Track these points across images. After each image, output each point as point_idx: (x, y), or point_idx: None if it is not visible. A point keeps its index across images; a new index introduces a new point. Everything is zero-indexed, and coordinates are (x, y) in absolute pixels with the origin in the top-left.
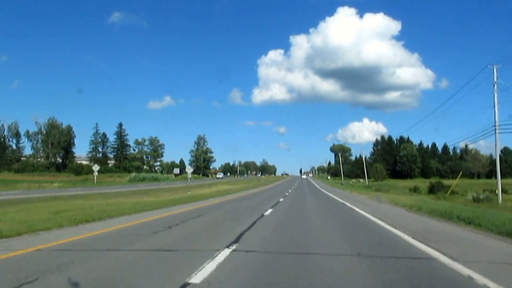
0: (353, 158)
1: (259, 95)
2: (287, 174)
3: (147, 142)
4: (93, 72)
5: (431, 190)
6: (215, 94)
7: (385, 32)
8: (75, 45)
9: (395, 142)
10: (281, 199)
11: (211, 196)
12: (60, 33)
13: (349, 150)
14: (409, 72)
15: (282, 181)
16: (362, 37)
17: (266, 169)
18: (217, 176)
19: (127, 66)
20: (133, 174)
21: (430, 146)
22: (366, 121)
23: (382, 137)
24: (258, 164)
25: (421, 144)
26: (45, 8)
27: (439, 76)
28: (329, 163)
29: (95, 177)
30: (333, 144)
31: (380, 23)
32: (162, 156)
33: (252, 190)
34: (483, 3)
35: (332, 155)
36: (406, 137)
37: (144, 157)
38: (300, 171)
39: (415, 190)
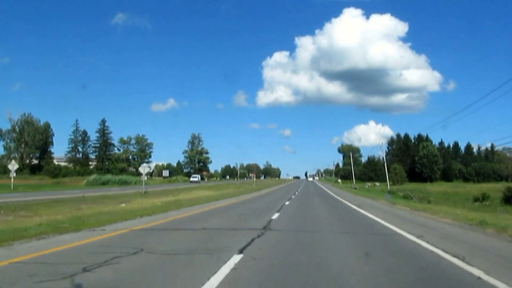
0: (363, 160)
1: (264, 98)
2: (297, 177)
3: (133, 141)
4: (95, 74)
5: (508, 200)
6: (219, 96)
7: (392, 33)
8: (78, 47)
9: (413, 141)
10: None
11: (147, 212)
12: (61, 34)
13: (358, 150)
14: (416, 74)
15: (283, 185)
16: (369, 39)
17: (269, 172)
18: (191, 179)
19: (130, 68)
20: (93, 176)
21: (451, 145)
22: (372, 123)
23: (398, 136)
24: (262, 167)
25: (441, 143)
26: (46, 9)
27: (447, 78)
28: (337, 165)
29: (12, 180)
30: (341, 144)
31: (387, 24)
32: (150, 156)
33: (232, 199)
34: (491, 3)
35: (340, 156)
36: (425, 135)
37: (131, 157)
38: (306, 174)
39: (483, 199)
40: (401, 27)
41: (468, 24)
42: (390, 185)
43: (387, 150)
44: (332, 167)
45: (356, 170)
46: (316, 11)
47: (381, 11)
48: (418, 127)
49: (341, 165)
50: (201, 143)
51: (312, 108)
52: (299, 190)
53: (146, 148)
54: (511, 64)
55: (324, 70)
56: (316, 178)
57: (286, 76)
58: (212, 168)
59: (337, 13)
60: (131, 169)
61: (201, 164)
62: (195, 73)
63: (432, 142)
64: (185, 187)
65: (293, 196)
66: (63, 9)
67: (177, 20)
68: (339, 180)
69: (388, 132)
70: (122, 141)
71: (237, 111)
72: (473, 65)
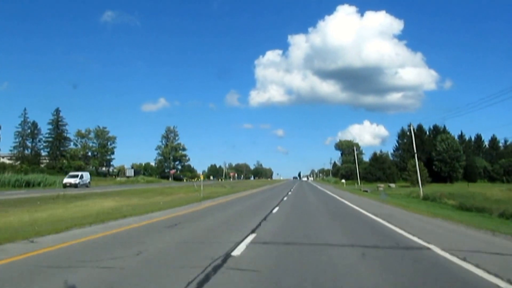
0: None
1: (256, 97)
2: (295, 178)
3: (92, 135)
4: (85, 73)
5: None
6: (211, 96)
7: (387, 30)
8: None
9: (427, 133)
10: None
11: None
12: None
13: (359, 147)
14: (412, 72)
15: (268, 187)
16: (363, 36)
17: (260, 173)
18: (66, 180)
19: (120, 67)
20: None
21: (473, 139)
22: (367, 123)
23: (410, 127)
24: (252, 167)
25: (462, 136)
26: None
27: (443, 77)
28: (334, 163)
29: None
30: (339, 140)
31: (382, 22)
32: (112, 153)
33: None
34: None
35: (338, 154)
36: (442, 126)
37: (90, 154)
38: (299, 174)
39: None
40: (397, 25)
41: (464, 21)
42: (408, 186)
43: (396, 145)
44: (327, 167)
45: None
46: (309, 9)
47: (376, 8)
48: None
49: (338, 163)
50: (177, 137)
51: (306, 108)
52: (289, 193)
53: (108, 143)
54: (508, 62)
55: (317, 69)
56: (311, 178)
57: (279, 75)
58: (200, 168)
59: (330, 10)
60: (91, 167)
61: (177, 162)
62: (186, 72)
63: (451, 135)
64: (103, 191)
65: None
66: (49, 7)
67: (167, 18)
68: (343, 181)
69: (383, 132)
70: (79, 135)
71: (229, 111)
72: (470, 63)
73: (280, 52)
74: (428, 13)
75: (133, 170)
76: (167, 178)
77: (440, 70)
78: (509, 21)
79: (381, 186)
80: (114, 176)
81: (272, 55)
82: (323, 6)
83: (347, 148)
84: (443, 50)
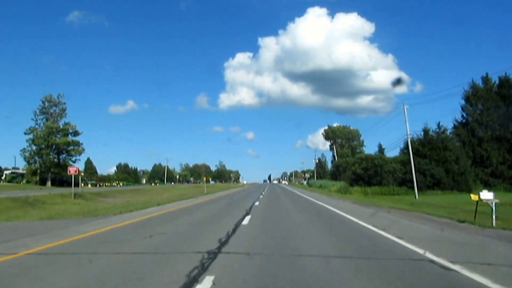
0: (366, 150)
1: (226, 100)
2: (268, 180)
3: None
4: (52, 76)
5: None
6: (180, 98)
7: (359, 33)
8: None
9: None
10: None
11: None
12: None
13: (358, 135)
14: (382, 75)
15: (209, 198)
16: (334, 38)
17: (223, 175)
18: None
19: (87, 69)
20: None
21: None
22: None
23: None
24: (213, 168)
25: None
26: None
27: (413, 80)
28: (319, 160)
29: None
30: (328, 126)
31: (353, 24)
32: None
33: None
34: (458, 6)
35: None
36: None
37: None
38: (269, 177)
39: None
40: (368, 27)
41: (435, 25)
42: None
43: (455, 124)
44: (300, 169)
45: (358, 168)
46: (279, 11)
47: (347, 10)
48: (388, 131)
49: (328, 159)
50: (64, 114)
51: (276, 110)
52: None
53: None
54: (479, 65)
55: (288, 71)
56: (284, 182)
57: (249, 78)
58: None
59: (301, 12)
60: None
61: (64, 154)
62: (155, 74)
63: None
64: None
65: None
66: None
67: (135, 20)
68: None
69: None
70: None
71: (198, 113)
72: (438, 67)
73: (250, 54)
74: (399, 16)
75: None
76: (43, 183)
77: (411, 74)
78: (480, 24)
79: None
80: None
81: (242, 58)
82: (293, 8)
83: (343, 135)
84: (413, 53)
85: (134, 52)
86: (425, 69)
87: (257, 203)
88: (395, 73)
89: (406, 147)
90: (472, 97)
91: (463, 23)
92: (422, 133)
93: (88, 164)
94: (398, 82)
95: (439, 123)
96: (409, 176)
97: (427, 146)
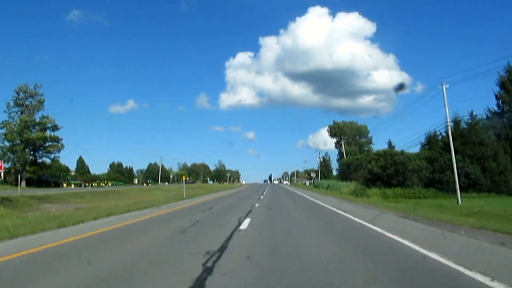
0: (375, 147)
1: (227, 99)
2: (269, 180)
3: None
4: (51, 75)
5: None
6: (181, 98)
7: (360, 32)
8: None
9: None
10: None
11: None
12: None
13: (366, 131)
14: (384, 75)
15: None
16: (335, 38)
17: (223, 175)
18: None
19: (87, 68)
20: None
21: None
22: None
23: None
24: (212, 168)
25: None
26: None
27: (415, 81)
28: (323, 159)
29: None
30: (333, 122)
31: (354, 23)
32: None
33: None
34: (460, 5)
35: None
36: None
37: None
38: (270, 178)
39: None
40: (369, 27)
41: (436, 25)
42: None
43: (488, 114)
44: (302, 169)
45: (375, 166)
46: (280, 10)
47: (348, 9)
48: (385, 129)
49: (333, 158)
50: (42, 106)
51: (277, 110)
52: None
53: None
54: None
55: (289, 71)
56: (286, 182)
57: (250, 77)
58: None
59: (302, 12)
60: None
61: (41, 151)
62: (155, 74)
63: None
64: None
65: None
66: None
67: (136, 20)
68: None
69: None
70: None
71: (199, 113)
72: (439, 67)
73: (251, 54)
74: (401, 16)
75: None
76: (16, 183)
77: (412, 74)
78: (481, 25)
79: None
80: None
81: (243, 57)
82: (294, 8)
83: (350, 131)
84: (415, 53)
85: (134, 51)
86: (426, 69)
87: (244, 226)
88: (396, 73)
89: (429, 142)
90: (509, 82)
91: (464, 23)
92: (452, 124)
93: (80, 163)
94: (400, 87)
95: (471, 112)
96: (438, 176)
97: (458, 140)
